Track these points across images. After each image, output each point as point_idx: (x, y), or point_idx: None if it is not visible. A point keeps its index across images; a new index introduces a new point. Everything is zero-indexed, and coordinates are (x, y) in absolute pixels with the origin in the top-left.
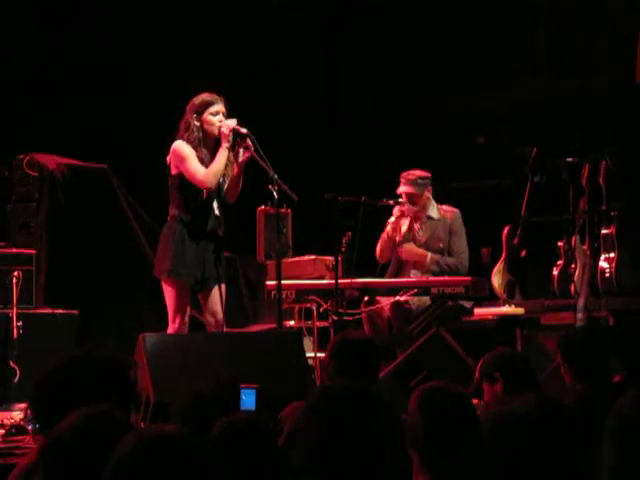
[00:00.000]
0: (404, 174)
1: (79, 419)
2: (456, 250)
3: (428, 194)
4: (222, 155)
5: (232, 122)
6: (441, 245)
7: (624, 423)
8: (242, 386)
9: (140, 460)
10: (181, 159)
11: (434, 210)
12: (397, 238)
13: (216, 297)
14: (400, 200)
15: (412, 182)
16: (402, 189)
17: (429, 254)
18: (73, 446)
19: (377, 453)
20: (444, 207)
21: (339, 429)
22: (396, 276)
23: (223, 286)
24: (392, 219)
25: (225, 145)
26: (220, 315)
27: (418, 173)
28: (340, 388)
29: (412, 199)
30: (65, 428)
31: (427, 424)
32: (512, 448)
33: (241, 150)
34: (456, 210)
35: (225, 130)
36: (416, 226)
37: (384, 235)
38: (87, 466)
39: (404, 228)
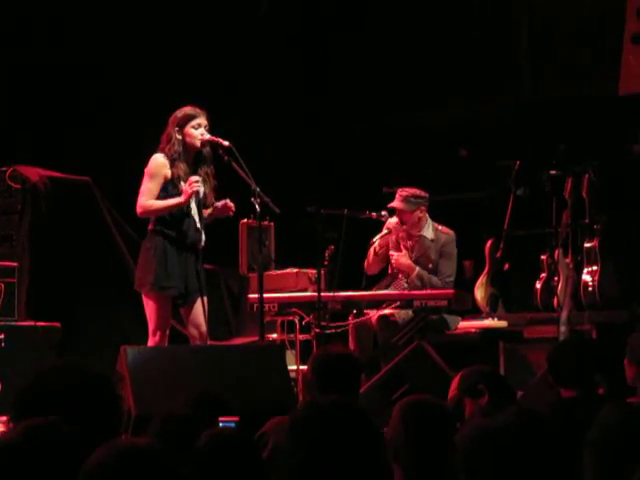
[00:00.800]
0: (400, 189)
1: (23, 429)
2: (442, 272)
3: (420, 214)
4: (171, 203)
5: (197, 185)
6: (430, 266)
7: (608, 434)
8: (221, 419)
9: (109, 473)
10: (146, 173)
11: (429, 230)
12: (383, 253)
13: (199, 309)
14: (383, 213)
15: (403, 198)
16: (393, 203)
17: (417, 268)
18: (14, 456)
19: (360, 472)
20: (440, 227)
21: (324, 447)
22: (387, 289)
23: (205, 299)
24: (378, 235)
25: (182, 200)
26: (204, 327)
27: (413, 191)
28: (325, 405)
29: (401, 215)
30: (8, 437)
31: (409, 437)
32: (496, 461)
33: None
34: (451, 232)
35: (187, 189)
36: (409, 243)
37: (371, 250)
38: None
39: (377, 237)
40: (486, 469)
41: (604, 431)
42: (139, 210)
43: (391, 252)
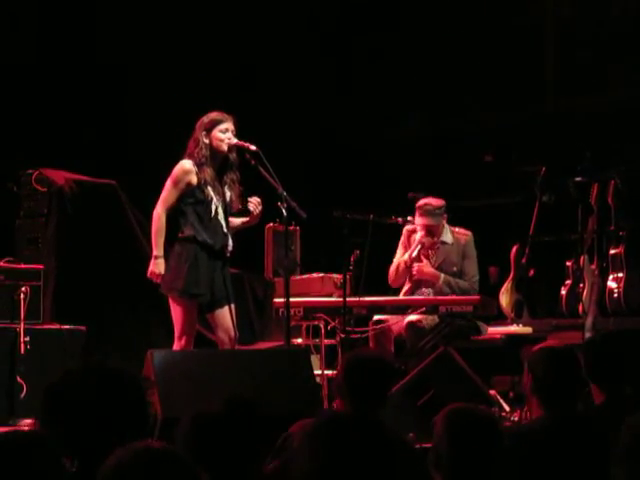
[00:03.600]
0: (421, 204)
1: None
2: (468, 273)
3: (444, 221)
4: (156, 246)
5: (155, 275)
6: (455, 269)
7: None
8: None
9: (125, 475)
10: (170, 178)
11: (447, 235)
12: (407, 261)
13: (227, 315)
14: (409, 218)
15: (431, 213)
16: (421, 221)
17: (442, 275)
18: None
19: None
20: (457, 230)
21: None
22: (411, 296)
23: (233, 305)
24: (415, 251)
25: (152, 266)
26: (232, 332)
27: (435, 203)
28: (345, 420)
29: (431, 230)
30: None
31: (452, 446)
32: (525, 462)
33: (251, 207)
34: (469, 233)
35: (152, 272)
36: (430, 252)
37: (401, 264)
38: None
39: (415, 253)
40: (516, 470)
41: (635, 436)
42: (154, 215)
43: (413, 264)
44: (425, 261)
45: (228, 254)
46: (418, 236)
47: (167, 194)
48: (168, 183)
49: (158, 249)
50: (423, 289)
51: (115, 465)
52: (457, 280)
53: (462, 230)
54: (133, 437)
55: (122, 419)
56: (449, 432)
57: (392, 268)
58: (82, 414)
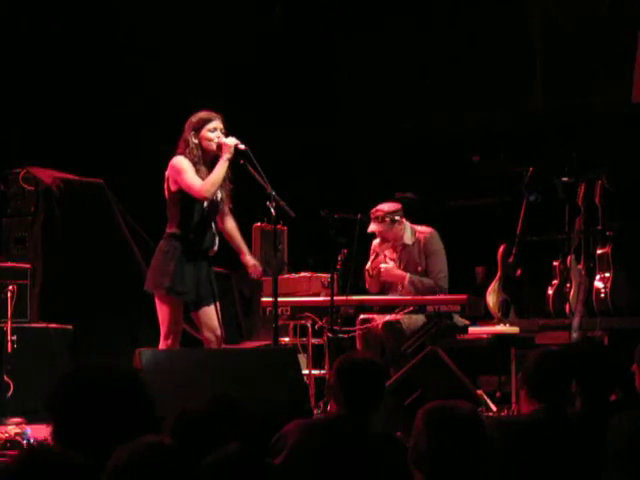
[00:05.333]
0: (372, 211)
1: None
2: (432, 271)
3: (399, 226)
4: (221, 166)
5: (233, 139)
6: (419, 269)
7: (630, 441)
8: None
9: (134, 470)
10: (179, 171)
11: (408, 236)
12: (377, 272)
13: (213, 314)
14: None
15: (380, 220)
16: (371, 227)
17: (407, 275)
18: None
19: None
20: (418, 229)
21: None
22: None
23: (218, 304)
24: (369, 262)
25: (226, 156)
26: (218, 331)
27: (386, 209)
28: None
29: (383, 236)
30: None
31: (432, 443)
32: (517, 457)
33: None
34: (430, 230)
35: (228, 142)
36: (395, 255)
37: (367, 275)
38: None
39: (368, 265)
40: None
41: (630, 440)
42: (202, 194)
43: (380, 265)
44: (392, 263)
45: (213, 253)
46: (374, 243)
47: (190, 177)
48: (182, 174)
49: (219, 165)
50: (395, 291)
51: (126, 459)
52: (421, 279)
53: (423, 228)
54: (140, 432)
55: (132, 414)
56: (428, 429)
57: (366, 275)
58: (94, 410)
